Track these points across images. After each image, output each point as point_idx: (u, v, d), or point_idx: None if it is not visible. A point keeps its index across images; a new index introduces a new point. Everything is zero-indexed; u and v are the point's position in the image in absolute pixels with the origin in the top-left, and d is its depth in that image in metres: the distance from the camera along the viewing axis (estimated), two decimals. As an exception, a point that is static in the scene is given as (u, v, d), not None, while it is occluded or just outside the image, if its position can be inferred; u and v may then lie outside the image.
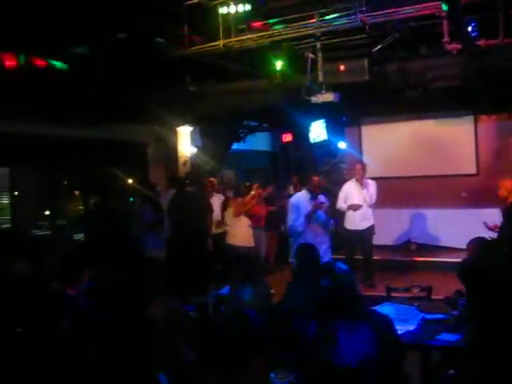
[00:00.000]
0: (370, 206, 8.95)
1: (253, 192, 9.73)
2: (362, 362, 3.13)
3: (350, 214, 8.95)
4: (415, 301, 5.21)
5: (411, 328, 4.37)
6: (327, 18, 7.20)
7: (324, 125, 11.25)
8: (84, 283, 4.35)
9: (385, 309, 4.66)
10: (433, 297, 5.63)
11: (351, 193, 8.98)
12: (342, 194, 9.10)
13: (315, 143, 11.57)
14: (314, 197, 6.96)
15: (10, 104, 7.71)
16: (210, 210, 9.23)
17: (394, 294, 5.66)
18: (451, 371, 3.90)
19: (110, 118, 9.65)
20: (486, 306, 3.91)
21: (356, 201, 8.86)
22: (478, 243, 5.01)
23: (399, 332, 3.67)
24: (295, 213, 6.97)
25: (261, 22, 7.74)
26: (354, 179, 9.09)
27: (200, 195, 9.00)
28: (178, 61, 8.60)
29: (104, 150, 10.69)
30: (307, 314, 3.62)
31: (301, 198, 7.20)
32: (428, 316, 4.64)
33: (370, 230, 8.99)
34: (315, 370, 3.21)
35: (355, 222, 8.90)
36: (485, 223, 6.98)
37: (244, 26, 7.44)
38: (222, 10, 7.17)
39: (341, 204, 9.01)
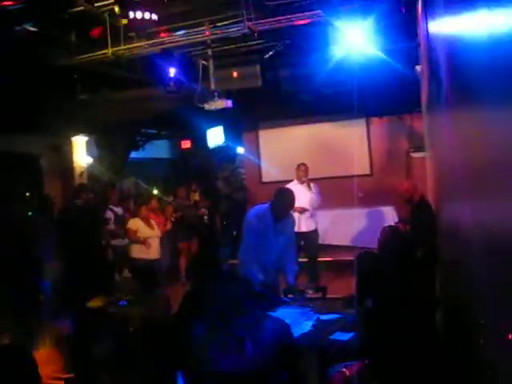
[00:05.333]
0: (315, 208, 8.98)
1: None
2: (254, 368, 3.14)
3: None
4: (312, 302, 5.32)
5: (306, 330, 4.45)
6: (217, 25, 7.22)
7: (222, 131, 11.27)
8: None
9: (281, 313, 4.70)
10: (329, 296, 5.77)
11: (296, 195, 8.76)
12: None
13: (214, 149, 11.58)
14: None
15: None
16: (103, 221, 8.99)
17: (290, 296, 5.72)
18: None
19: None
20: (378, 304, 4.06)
21: (302, 203, 8.45)
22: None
23: (295, 335, 3.72)
24: None
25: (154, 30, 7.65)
26: (295, 181, 8.97)
27: (89, 208, 8.70)
28: (69, 69, 8.35)
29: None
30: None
31: None
32: (322, 317, 4.74)
33: (315, 233, 9.02)
34: (204, 378, 3.20)
35: (299, 224, 8.28)
36: None
37: (133, 34, 7.33)
38: (110, 18, 7.00)
39: None
